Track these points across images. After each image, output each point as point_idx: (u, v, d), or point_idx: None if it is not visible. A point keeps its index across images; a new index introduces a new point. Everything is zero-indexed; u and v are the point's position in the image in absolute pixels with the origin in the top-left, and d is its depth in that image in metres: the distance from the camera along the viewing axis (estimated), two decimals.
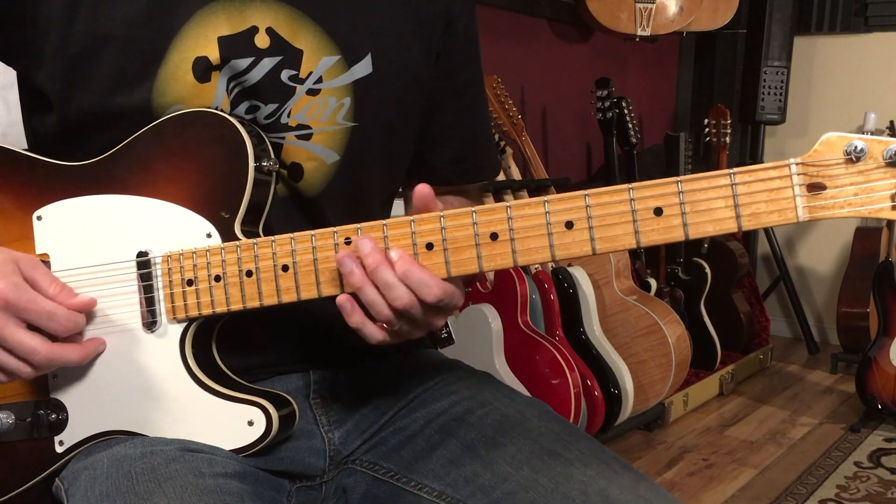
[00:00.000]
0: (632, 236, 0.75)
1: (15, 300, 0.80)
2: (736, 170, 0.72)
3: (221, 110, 0.90)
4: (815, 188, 0.70)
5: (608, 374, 2.50)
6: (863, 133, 0.66)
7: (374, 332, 0.83)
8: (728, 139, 3.36)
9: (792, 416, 2.95)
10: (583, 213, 0.76)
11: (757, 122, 3.65)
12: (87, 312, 0.88)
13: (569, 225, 0.77)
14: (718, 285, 3.26)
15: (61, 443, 0.91)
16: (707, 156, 3.59)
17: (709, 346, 3.14)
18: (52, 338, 0.84)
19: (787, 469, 2.49)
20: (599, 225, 0.76)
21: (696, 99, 3.98)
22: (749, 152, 3.85)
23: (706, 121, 3.40)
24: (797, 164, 0.71)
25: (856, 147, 0.68)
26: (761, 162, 3.25)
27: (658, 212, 0.74)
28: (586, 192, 0.76)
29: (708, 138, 3.40)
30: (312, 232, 0.83)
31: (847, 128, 3.67)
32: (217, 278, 0.86)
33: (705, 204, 0.73)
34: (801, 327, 3.73)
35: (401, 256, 0.80)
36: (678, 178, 0.73)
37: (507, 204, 0.78)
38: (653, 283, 3.03)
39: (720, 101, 3.60)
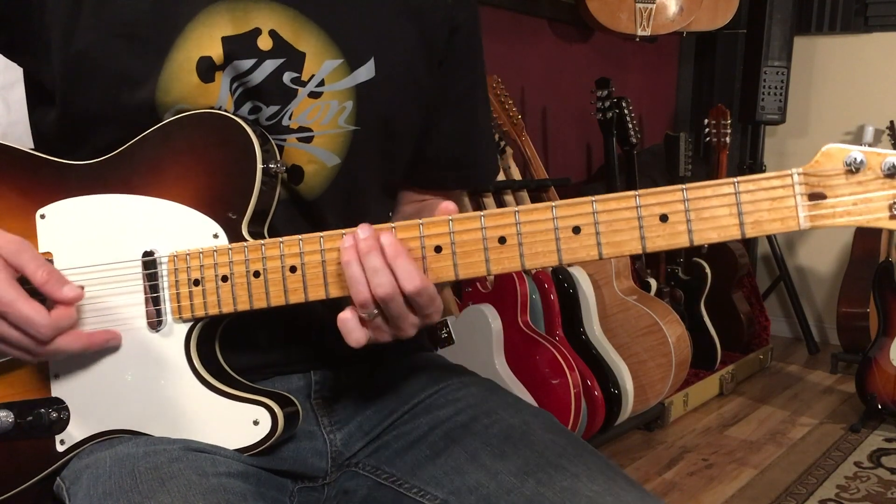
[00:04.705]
0: (638, 242, 0.76)
1: None
2: (740, 178, 0.73)
3: (228, 111, 0.90)
4: (815, 197, 0.72)
5: (608, 374, 2.50)
6: (861, 144, 0.69)
7: (355, 329, 0.83)
8: (728, 139, 3.36)
9: (792, 416, 2.96)
10: (590, 219, 0.77)
11: (757, 122, 3.64)
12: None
13: (576, 230, 0.77)
14: (718, 285, 3.26)
15: (62, 442, 0.91)
16: (707, 156, 3.59)
17: (709, 346, 3.14)
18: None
19: (787, 469, 2.49)
20: (606, 230, 0.77)
21: (696, 99, 3.98)
22: (749, 152, 3.85)
23: (706, 121, 3.40)
24: (799, 173, 0.72)
25: (855, 159, 0.71)
26: (761, 161, 3.23)
27: (664, 218, 0.76)
28: (594, 198, 0.77)
29: (708, 138, 3.40)
30: (321, 234, 0.84)
31: (847, 127, 3.68)
32: (224, 278, 0.86)
33: (709, 211, 0.75)
34: (801, 327, 3.74)
35: (392, 243, 0.80)
36: (683, 186, 0.75)
37: (516, 209, 0.79)
38: (653, 283, 3.03)
39: (720, 101, 3.59)
